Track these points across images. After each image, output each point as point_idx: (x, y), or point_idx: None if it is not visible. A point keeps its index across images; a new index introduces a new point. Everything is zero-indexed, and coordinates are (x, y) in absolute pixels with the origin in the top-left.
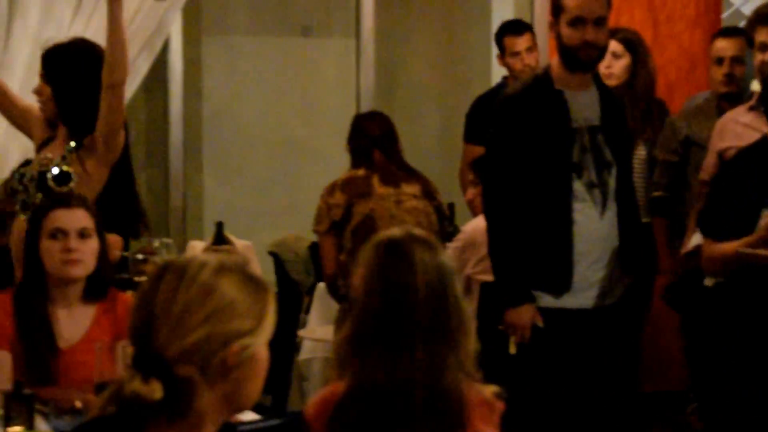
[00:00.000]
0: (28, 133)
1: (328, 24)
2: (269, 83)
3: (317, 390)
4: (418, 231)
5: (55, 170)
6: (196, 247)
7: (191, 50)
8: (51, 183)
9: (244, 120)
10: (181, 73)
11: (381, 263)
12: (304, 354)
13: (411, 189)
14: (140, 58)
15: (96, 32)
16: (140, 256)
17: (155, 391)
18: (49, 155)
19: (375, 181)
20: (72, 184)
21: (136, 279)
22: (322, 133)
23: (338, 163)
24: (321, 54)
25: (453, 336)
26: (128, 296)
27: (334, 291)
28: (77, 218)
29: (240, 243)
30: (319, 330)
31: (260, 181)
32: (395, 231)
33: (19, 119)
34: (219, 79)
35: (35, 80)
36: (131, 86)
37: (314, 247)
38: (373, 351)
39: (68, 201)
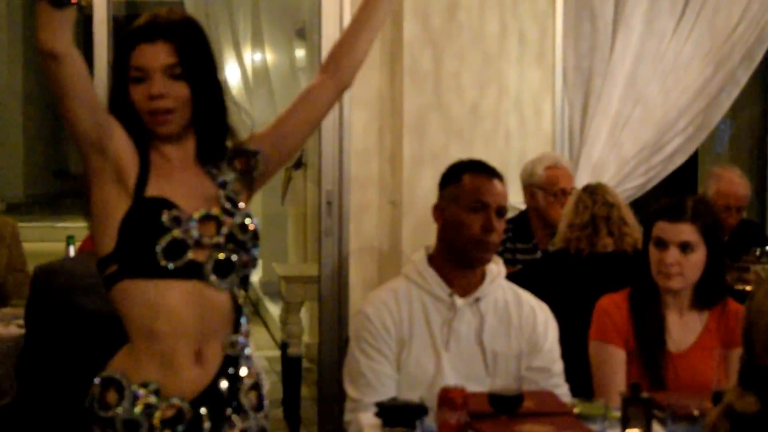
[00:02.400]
0: (95, 150)
1: None
2: None
3: None
4: None
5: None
6: None
7: None
8: (239, 234)
9: None
10: None
11: None
12: None
13: None
14: (740, 68)
15: (695, 47)
16: (742, 264)
17: (749, 404)
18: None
19: None
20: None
21: (737, 287)
22: None
23: None
24: None
25: None
26: (737, 304)
27: None
28: (680, 232)
29: None
30: None
31: None
32: None
33: (93, 132)
34: None
35: (634, 92)
36: (731, 95)
37: None
38: None
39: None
